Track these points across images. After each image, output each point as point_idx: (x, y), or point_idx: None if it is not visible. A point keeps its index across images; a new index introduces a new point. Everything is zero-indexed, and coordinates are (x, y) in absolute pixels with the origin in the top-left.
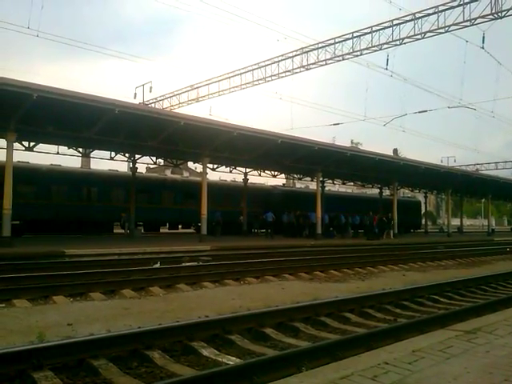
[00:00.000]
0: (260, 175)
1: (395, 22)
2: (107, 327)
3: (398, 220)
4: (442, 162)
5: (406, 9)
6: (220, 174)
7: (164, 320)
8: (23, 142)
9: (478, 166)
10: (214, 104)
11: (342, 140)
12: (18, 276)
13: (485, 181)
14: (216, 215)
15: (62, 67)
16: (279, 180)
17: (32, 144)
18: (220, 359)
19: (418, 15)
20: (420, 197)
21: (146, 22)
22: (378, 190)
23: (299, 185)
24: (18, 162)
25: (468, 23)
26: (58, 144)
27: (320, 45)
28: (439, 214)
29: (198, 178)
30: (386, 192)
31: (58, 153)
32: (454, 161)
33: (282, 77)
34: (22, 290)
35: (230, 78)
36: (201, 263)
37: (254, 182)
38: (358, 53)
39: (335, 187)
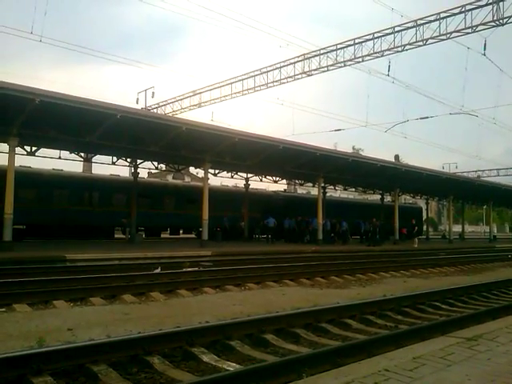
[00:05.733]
0: (261, 181)
1: (397, 29)
2: (107, 332)
3: (400, 226)
4: (443, 168)
5: (407, 16)
6: (221, 180)
7: (164, 325)
8: (25, 147)
9: (479, 173)
10: (215, 109)
11: (344, 146)
12: (18, 280)
13: (486, 187)
14: (223, 220)
15: (65, 72)
16: (281, 185)
17: (34, 148)
18: (220, 365)
19: (419, 22)
20: (421, 203)
21: (150, 28)
22: (380, 196)
23: (300, 190)
24: (20, 166)
25: (469, 30)
26: (60, 149)
27: (322, 51)
28: (441, 220)
29: (200, 183)
30: (388, 198)
31: (59, 157)
32: (456, 167)
33: (284, 83)
34: (23, 295)
35: (232, 83)
36: (202, 268)
37: (255, 187)
38: (360, 59)
39: (337, 193)
